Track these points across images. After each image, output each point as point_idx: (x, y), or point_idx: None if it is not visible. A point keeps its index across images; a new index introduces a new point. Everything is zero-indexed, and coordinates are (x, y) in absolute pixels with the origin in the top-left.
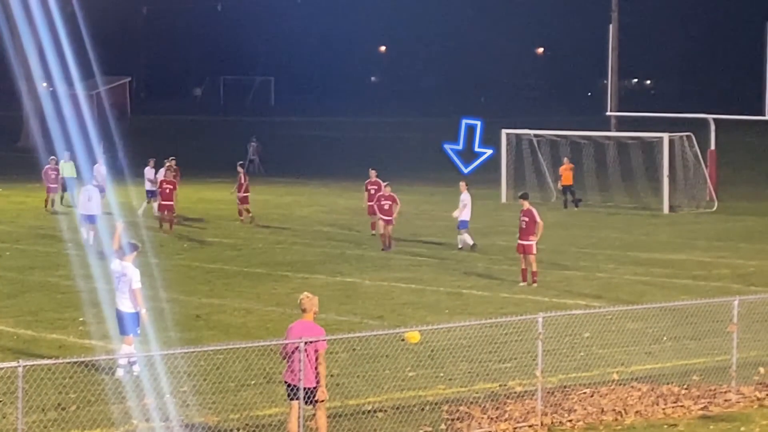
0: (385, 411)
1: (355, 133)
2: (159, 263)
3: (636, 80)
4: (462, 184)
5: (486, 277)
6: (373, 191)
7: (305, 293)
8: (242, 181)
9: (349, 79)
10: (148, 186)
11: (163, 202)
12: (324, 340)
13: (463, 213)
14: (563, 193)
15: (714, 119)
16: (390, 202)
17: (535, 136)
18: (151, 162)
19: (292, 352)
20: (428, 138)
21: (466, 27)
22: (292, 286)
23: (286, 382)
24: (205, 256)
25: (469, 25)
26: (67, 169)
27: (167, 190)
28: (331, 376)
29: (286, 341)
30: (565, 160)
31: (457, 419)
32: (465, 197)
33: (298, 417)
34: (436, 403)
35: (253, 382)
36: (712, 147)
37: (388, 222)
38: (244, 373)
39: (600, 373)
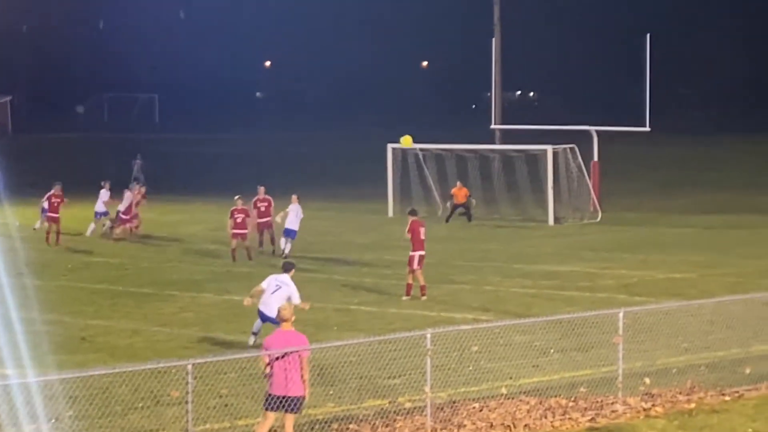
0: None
1: (242, 149)
2: (43, 284)
3: (519, 92)
4: (294, 196)
5: (374, 293)
6: (263, 208)
7: (282, 303)
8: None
9: (234, 94)
10: (99, 207)
11: (51, 214)
12: (307, 347)
13: (292, 222)
14: (452, 209)
15: (596, 131)
16: (243, 216)
17: (421, 150)
18: (107, 185)
19: (280, 363)
20: (316, 152)
21: (349, 41)
22: (179, 305)
23: (272, 395)
24: (91, 276)
25: (353, 39)
26: None
27: (55, 204)
28: (220, 396)
29: (268, 352)
30: (458, 183)
31: None
32: (294, 207)
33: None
34: (325, 422)
35: (140, 405)
36: (595, 158)
37: (242, 236)
38: (131, 395)
39: (489, 387)
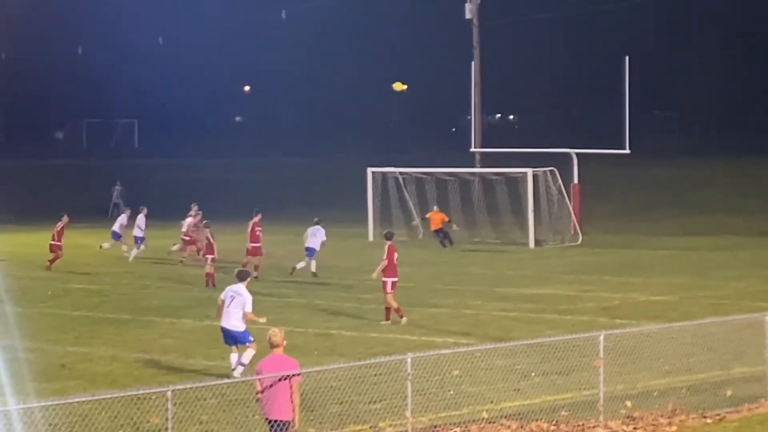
0: None
1: (221, 173)
2: (22, 311)
3: (499, 115)
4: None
5: (355, 317)
6: (258, 232)
7: (272, 329)
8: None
9: (214, 119)
10: (137, 233)
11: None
12: (298, 371)
13: (312, 241)
14: (437, 234)
15: (576, 153)
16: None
17: (401, 173)
18: (144, 210)
19: (270, 387)
20: (296, 177)
21: (328, 64)
22: (159, 332)
23: (271, 420)
24: (70, 303)
25: (332, 63)
26: None
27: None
28: (200, 423)
29: (261, 376)
30: (435, 208)
31: None
32: (312, 230)
33: None
34: None
35: None
36: (575, 181)
37: (209, 260)
38: (111, 422)
39: (470, 411)
